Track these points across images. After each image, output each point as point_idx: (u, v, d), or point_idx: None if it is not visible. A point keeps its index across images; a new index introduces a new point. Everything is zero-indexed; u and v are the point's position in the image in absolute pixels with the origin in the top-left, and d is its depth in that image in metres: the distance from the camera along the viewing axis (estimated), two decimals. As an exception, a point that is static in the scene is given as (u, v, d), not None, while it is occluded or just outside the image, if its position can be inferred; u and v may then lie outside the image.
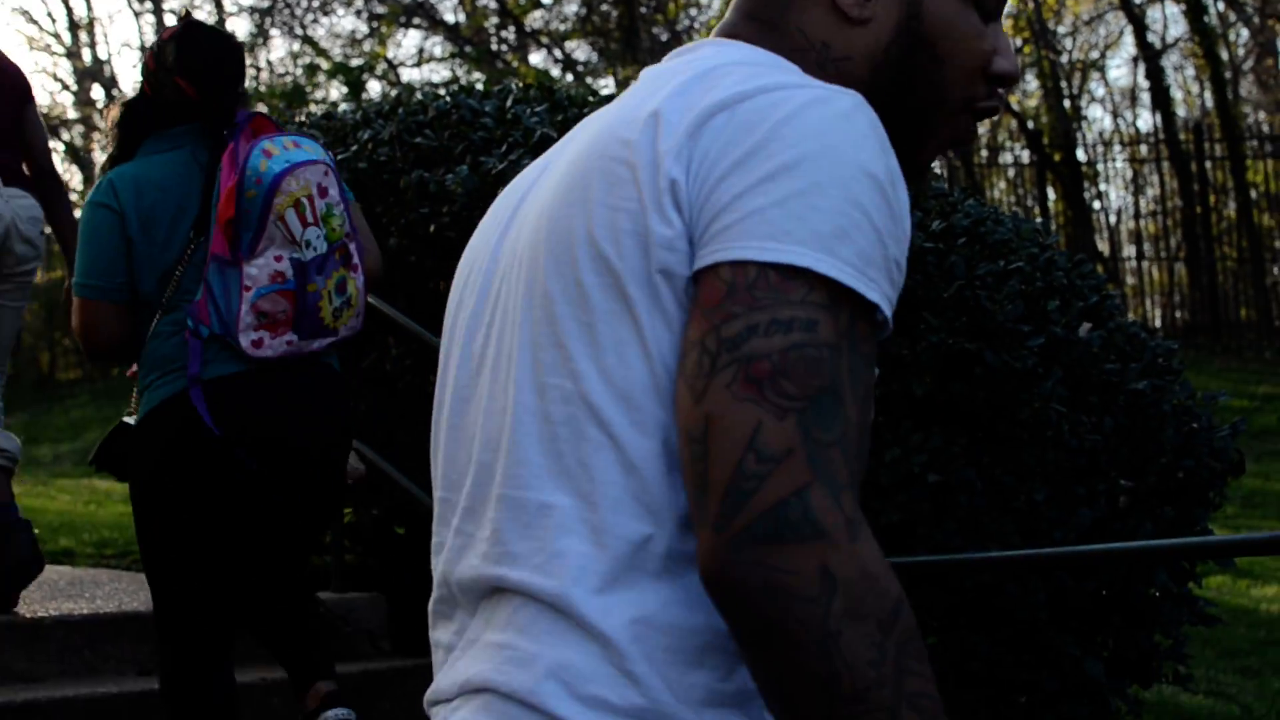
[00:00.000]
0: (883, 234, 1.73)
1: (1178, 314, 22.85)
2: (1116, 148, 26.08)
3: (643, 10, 23.48)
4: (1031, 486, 5.13)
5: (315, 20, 25.84)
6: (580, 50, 25.72)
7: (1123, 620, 5.46)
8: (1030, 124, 25.09)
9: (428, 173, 6.64)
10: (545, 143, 6.54)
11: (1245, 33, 28.48)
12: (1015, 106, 25.43)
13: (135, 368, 5.02)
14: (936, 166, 22.73)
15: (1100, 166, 25.25)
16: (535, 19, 25.49)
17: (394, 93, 7.65)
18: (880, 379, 5.18)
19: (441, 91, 7.37)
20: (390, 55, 25.96)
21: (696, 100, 1.81)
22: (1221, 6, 26.16)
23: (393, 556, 7.70)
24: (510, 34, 25.92)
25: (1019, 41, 25.42)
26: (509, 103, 7.00)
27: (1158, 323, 22.34)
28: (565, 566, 1.77)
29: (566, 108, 6.87)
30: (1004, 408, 5.20)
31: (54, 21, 45.80)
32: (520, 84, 7.46)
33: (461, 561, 1.94)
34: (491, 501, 1.87)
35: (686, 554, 1.76)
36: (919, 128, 2.01)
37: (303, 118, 7.89)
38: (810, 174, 1.71)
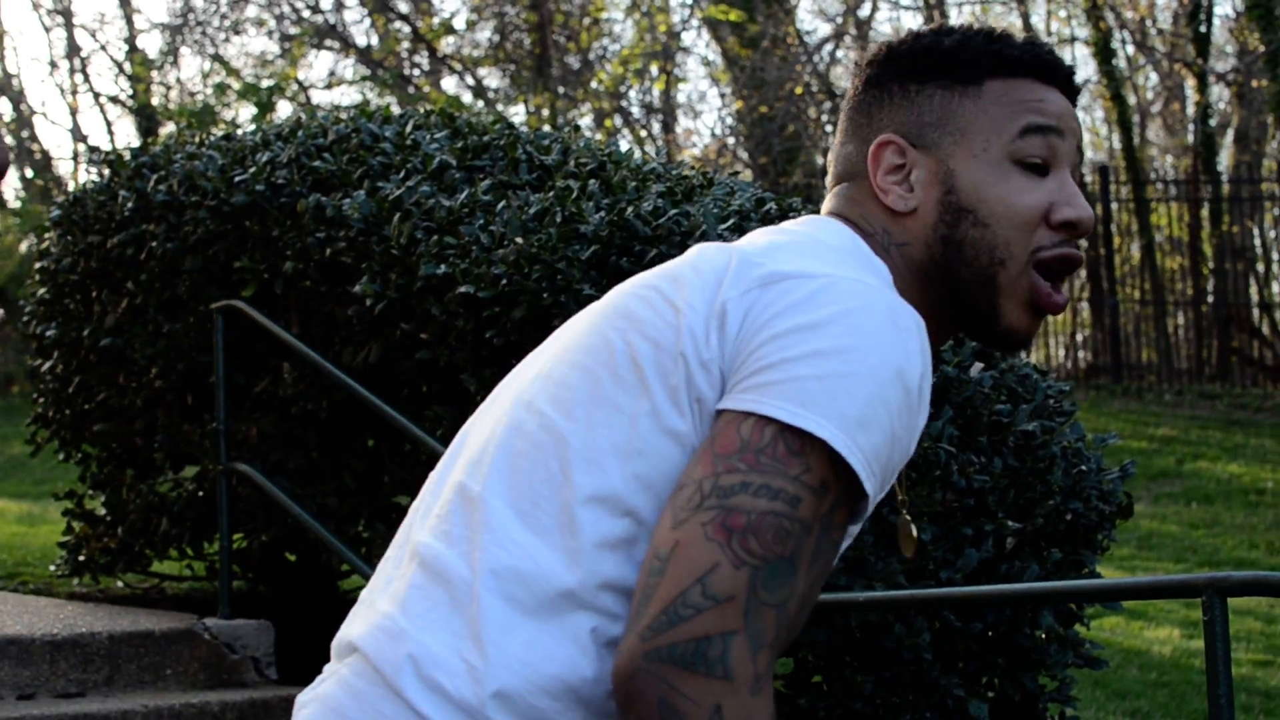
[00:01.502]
0: (895, 438, 1.95)
1: (1080, 354, 23.01)
2: (1024, 188, 26.25)
3: (555, 39, 23.48)
4: (919, 526, 5.13)
5: (227, 39, 25.72)
6: (492, 77, 25.71)
7: (1008, 661, 5.47)
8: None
9: (325, 197, 6.60)
10: (444, 170, 6.52)
11: (1154, 77, 28.75)
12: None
13: None
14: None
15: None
16: (448, 45, 25.46)
17: (300, 115, 7.61)
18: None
19: (342, 115, 7.33)
20: (301, 77, 25.86)
21: (777, 260, 2.02)
22: (1131, 50, 26.40)
23: (282, 584, 7.65)
24: (423, 59, 25.87)
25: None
26: (409, 129, 6.97)
27: (1060, 363, 22.48)
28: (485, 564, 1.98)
29: (467, 135, 6.84)
30: (893, 447, 5.19)
31: (-37, 34, 45.42)
32: (423, 110, 7.43)
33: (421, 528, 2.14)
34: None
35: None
36: (988, 292, 2.15)
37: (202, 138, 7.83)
38: (855, 363, 1.91)
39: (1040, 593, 5.01)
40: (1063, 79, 2.21)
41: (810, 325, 1.94)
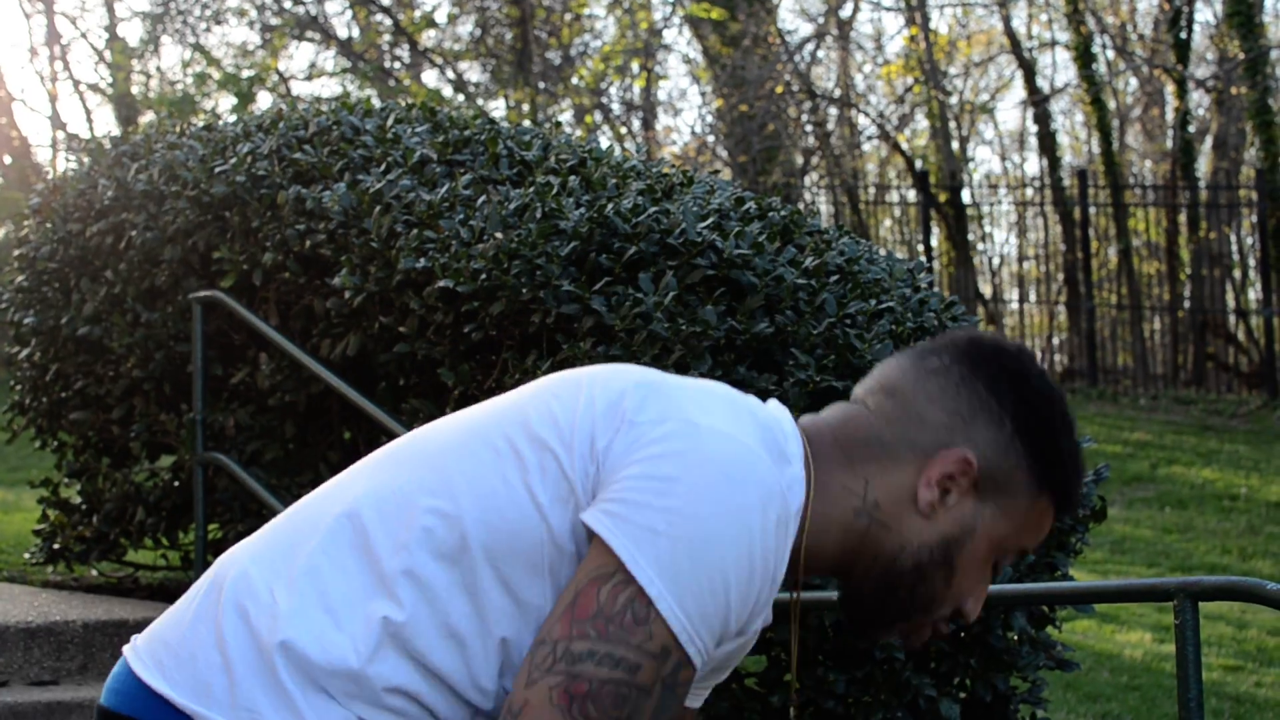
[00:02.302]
0: (731, 611, 2.14)
1: (1057, 358, 23.06)
2: (1002, 190, 26.33)
3: (537, 34, 23.48)
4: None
5: (208, 29, 25.66)
6: (473, 71, 25.69)
7: (980, 662, 5.49)
8: (918, 164, 25.27)
9: (306, 189, 6.60)
10: (425, 164, 6.52)
11: (1134, 82, 28.81)
12: (904, 146, 25.60)
13: None
14: (822, 203, 22.85)
15: (985, 209, 25.46)
16: (429, 38, 25.44)
17: (281, 106, 7.60)
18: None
19: (324, 108, 7.32)
20: (282, 68, 25.83)
21: (667, 404, 2.22)
22: (1111, 55, 26.45)
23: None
24: (404, 52, 25.86)
25: (909, 80, 25.62)
26: (390, 122, 6.97)
27: (1036, 365, 22.50)
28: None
29: (448, 130, 6.85)
30: (869, 447, 5.21)
31: (-57, 19, 45.33)
32: (405, 103, 7.43)
33: None
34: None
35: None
36: (886, 615, 2.32)
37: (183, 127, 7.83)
38: (708, 533, 2.11)
39: (1013, 595, 5.02)
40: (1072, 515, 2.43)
41: (675, 479, 2.13)
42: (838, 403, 2.41)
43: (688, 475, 2.13)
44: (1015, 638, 5.61)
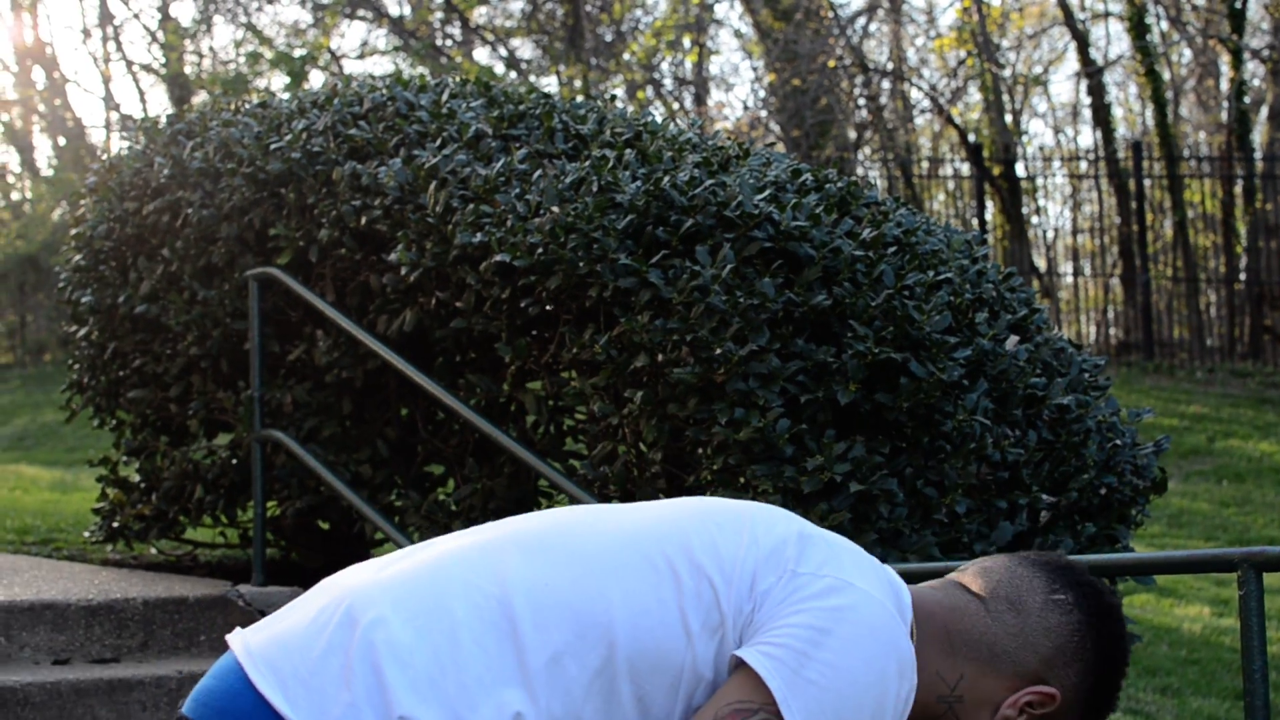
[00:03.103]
0: None
1: (1112, 331, 22.95)
2: (1056, 163, 26.20)
3: (588, 10, 23.45)
4: (953, 498, 5.13)
5: (260, 8, 25.73)
6: (525, 48, 25.69)
7: (1041, 635, 5.46)
8: (971, 137, 25.16)
9: (361, 165, 6.61)
10: (480, 138, 6.52)
11: (1188, 53, 28.64)
12: (957, 119, 25.50)
13: None
14: (875, 177, 22.78)
15: (1039, 181, 25.34)
16: (480, 15, 25.43)
17: (336, 83, 7.60)
18: (804, 386, 5.17)
19: (378, 84, 7.32)
20: (334, 47, 25.87)
21: (827, 560, 2.42)
22: (1165, 26, 26.29)
23: (315, 551, 7.66)
24: (455, 29, 25.86)
25: (962, 53, 25.50)
26: (445, 97, 6.97)
27: (1092, 339, 22.42)
28: None
29: (503, 104, 6.84)
30: (928, 419, 5.20)
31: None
32: (459, 78, 7.43)
33: None
34: None
35: None
36: None
37: (238, 105, 7.84)
38: (856, 687, 2.30)
39: (1075, 566, 5.00)
40: None
41: (831, 633, 2.32)
42: (956, 586, 2.61)
43: (842, 631, 2.32)
44: (1076, 610, 5.58)
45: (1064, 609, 2.54)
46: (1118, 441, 5.75)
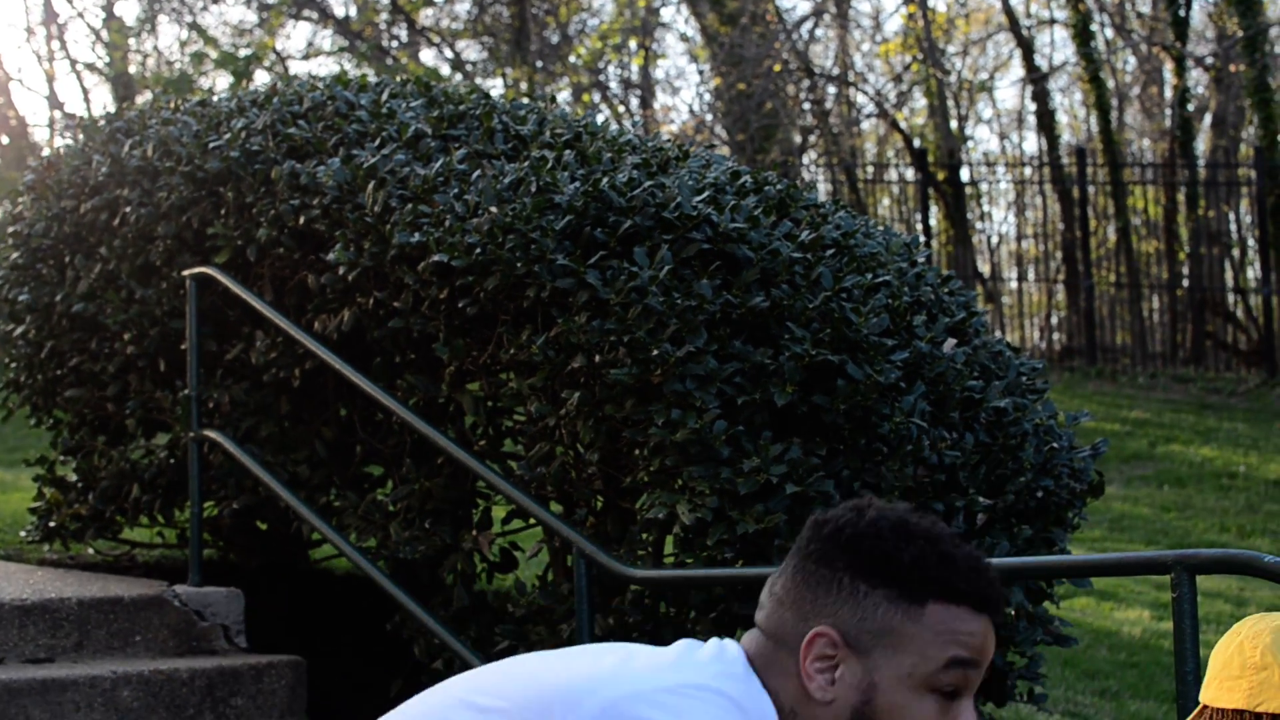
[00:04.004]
0: None
1: (1055, 336, 23.04)
2: (1000, 169, 26.28)
3: (534, 12, 23.42)
4: (890, 500, 5.13)
5: (205, 8, 25.60)
6: (471, 50, 25.64)
7: (977, 637, 5.47)
8: (916, 142, 25.23)
9: (300, 164, 6.58)
10: (419, 138, 6.50)
11: (1132, 60, 28.77)
12: (902, 124, 25.57)
13: None
14: (820, 182, 22.82)
15: (984, 187, 25.43)
16: (426, 16, 25.38)
17: (276, 82, 7.57)
18: (741, 387, 5.17)
19: (318, 83, 7.30)
20: (279, 47, 25.77)
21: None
22: (1109, 33, 26.41)
23: (252, 552, 7.63)
24: (401, 31, 25.80)
25: (907, 59, 25.56)
26: (384, 97, 6.95)
27: (1035, 345, 22.50)
28: None
29: (443, 104, 6.83)
30: (865, 421, 5.20)
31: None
32: (399, 78, 7.41)
33: None
34: None
35: None
36: None
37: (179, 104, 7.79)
38: None
39: (1010, 568, 5.01)
40: (995, 609, 2.40)
41: None
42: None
43: None
44: (1013, 613, 5.60)
45: (784, 573, 2.45)
46: (1055, 445, 5.77)
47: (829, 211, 6.02)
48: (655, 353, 5.14)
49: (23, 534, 8.23)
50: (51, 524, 7.82)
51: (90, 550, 8.13)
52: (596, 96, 25.05)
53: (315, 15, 25.12)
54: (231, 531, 7.60)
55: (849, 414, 5.18)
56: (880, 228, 6.36)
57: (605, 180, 5.63)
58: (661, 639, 5.32)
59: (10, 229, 8.13)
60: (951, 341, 5.63)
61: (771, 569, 4.88)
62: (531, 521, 6.22)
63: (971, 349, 5.77)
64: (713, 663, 2.40)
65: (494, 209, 5.70)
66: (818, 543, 2.40)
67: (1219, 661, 2.74)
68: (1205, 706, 2.74)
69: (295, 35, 45.69)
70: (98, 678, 6.02)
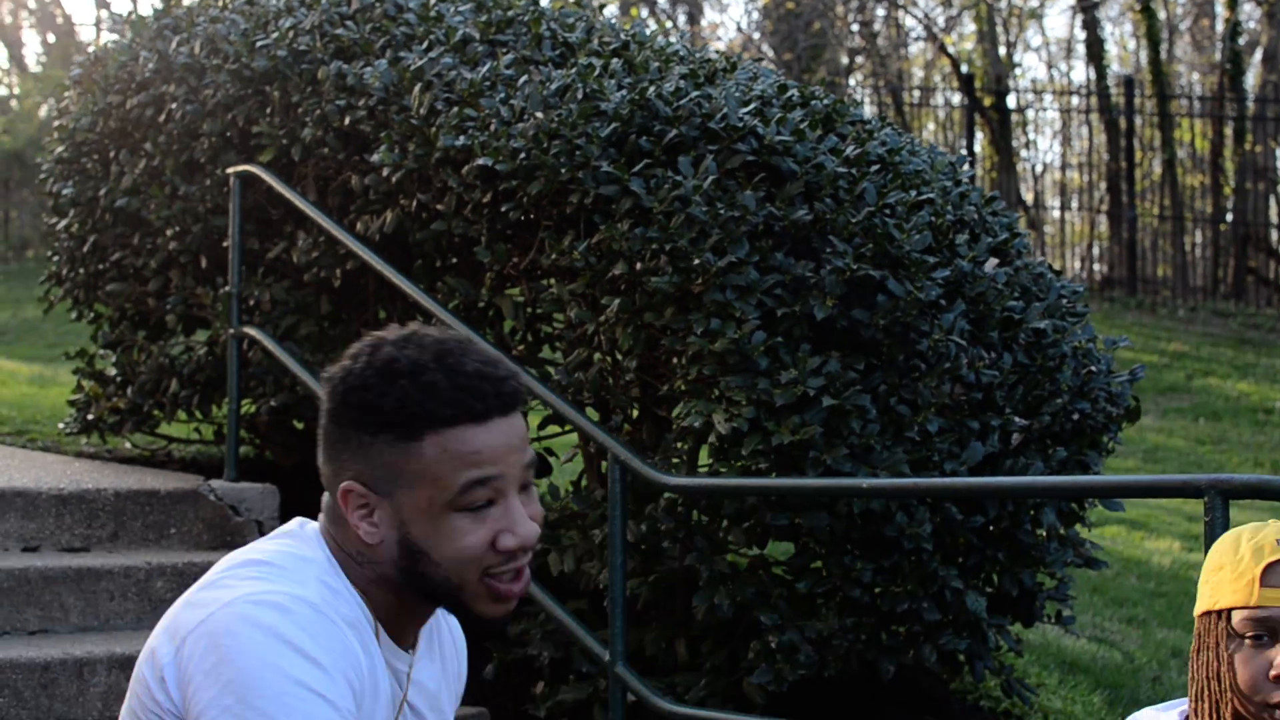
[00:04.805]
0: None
1: (1096, 267, 22.95)
2: (1048, 97, 26.14)
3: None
4: (925, 417, 5.14)
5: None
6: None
7: (1008, 557, 5.49)
8: (964, 67, 25.09)
9: (347, 65, 6.58)
10: (467, 43, 6.49)
11: (1184, -8, 28.55)
12: (950, 49, 25.43)
13: None
14: (866, 104, 22.72)
15: (1030, 115, 25.29)
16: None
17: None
18: (781, 299, 5.17)
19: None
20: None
21: (187, 619, 2.43)
22: (1162, -36, 26.20)
23: (289, 450, 7.67)
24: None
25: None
26: (433, 0, 6.93)
27: (1075, 273, 22.41)
28: None
29: (491, 9, 6.81)
30: (903, 337, 5.20)
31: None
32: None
33: None
34: None
35: None
36: (454, 603, 2.48)
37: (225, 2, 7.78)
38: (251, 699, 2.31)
39: (1042, 487, 5.02)
40: (503, 406, 2.44)
41: (207, 672, 2.34)
42: None
43: (213, 665, 2.37)
44: (1044, 534, 5.61)
45: (323, 417, 2.53)
46: (1093, 368, 5.77)
47: (875, 128, 6.01)
48: (697, 262, 5.14)
49: (60, 426, 8.28)
50: (90, 417, 7.86)
51: (127, 444, 8.18)
52: (644, 11, 24.95)
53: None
54: (268, 429, 7.64)
55: (888, 330, 5.18)
56: (925, 146, 6.34)
57: (652, 89, 5.62)
58: (693, 546, 5.35)
59: (56, 123, 8.15)
60: (993, 261, 5.62)
61: (806, 479, 4.91)
62: (567, 428, 6.24)
63: (1013, 270, 5.76)
64: (278, 557, 2.51)
65: (540, 114, 5.70)
66: (329, 402, 2.48)
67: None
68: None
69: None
70: (132, 568, 6.06)
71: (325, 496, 2.54)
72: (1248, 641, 2.72)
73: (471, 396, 2.40)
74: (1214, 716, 2.78)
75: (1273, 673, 2.68)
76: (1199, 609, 2.81)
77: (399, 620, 2.54)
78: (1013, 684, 5.85)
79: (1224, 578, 2.76)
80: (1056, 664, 7.31)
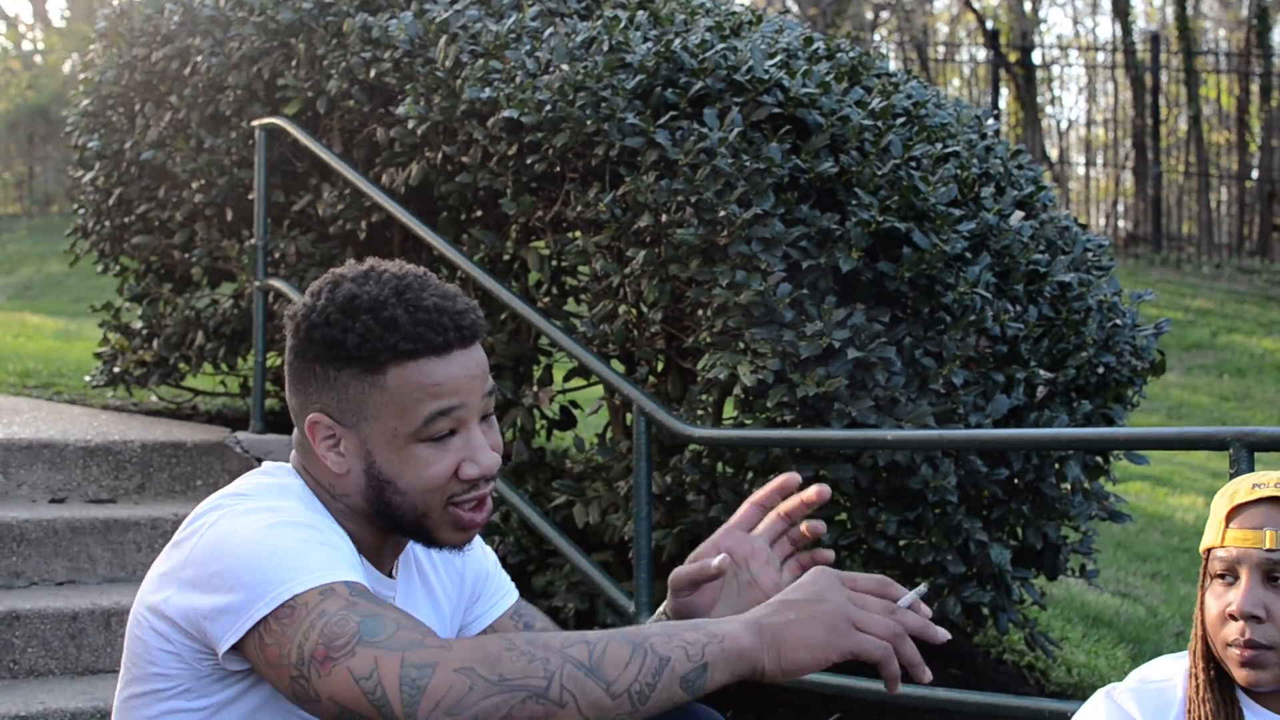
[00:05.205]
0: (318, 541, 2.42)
1: (1121, 224, 22.91)
2: (1073, 53, 26.06)
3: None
4: (950, 370, 5.14)
5: None
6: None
7: (1032, 509, 5.49)
8: (989, 23, 25.02)
9: (372, 17, 6.58)
10: (492, -5, 6.48)
11: (1211, -52, 28.41)
12: (976, 4, 25.35)
13: None
14: (890, 61, 22.66)
15: (1056, 71, 25.23)
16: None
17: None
18: (806, 251, 5.16)
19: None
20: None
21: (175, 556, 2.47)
22: (1189, -81, 26.06)
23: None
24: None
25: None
26: (459, -47, 6.92)
27: (1100, 229, 22.37)
28: None
29: (516, -38, 6.80)
30: (928, 290, 5.20)
31: None
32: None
33: None
34: None
35: None
36: (420, 530, 2.56)
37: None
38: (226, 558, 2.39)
39: (1067, 439, 5.03)
40: (462, 339, 2.53)
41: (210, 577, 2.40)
42: None
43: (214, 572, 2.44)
44: (1068, 487, 5.61)
45: (288, 350, 2.60)
46: (1118, 322, 5.76)
47: (900, 80, 6.00)
48: (722, 214, 5.14)
49: (86, 379, 8.31)
50: (116, 369, 7.89)
51: (153, 397, 8.21)
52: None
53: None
54: (294, 382, 7.65)
55: (913, 282, 5.18)
56: (951, 100, 6.32)
57: (678, 41, 5.61)
58: (718, 498, 5.36)
59: (81, 76, 8.16)
60: (1019, 214, 5.61)
61: (831, 430, 4.92)
62: (592, 380, 6.25)
63: (1038, 223, 5.76)
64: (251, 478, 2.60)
65: (565, 66, 5.69)
66: (293, 338, 2.55)
67: None
68: None
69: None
70: (159, 519, 6.09)
71: (295, 431, 2.61)
72: (1217, 581, 2.90)
73: (431, 330, 2.49)
74: (1198, 653, 2.94)
75: (1228, 610, 2.85)
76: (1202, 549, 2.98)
77: (376, 549, 2.62)
78: (1036, 637, 5.85)
79: (1209, 520, 2.95)
80: (1080, 618, 7.32)
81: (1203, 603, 2.92)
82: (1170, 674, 2.95)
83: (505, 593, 2.89)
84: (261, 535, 2.38)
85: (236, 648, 2.37)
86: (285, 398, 2.64)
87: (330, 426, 2.52)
